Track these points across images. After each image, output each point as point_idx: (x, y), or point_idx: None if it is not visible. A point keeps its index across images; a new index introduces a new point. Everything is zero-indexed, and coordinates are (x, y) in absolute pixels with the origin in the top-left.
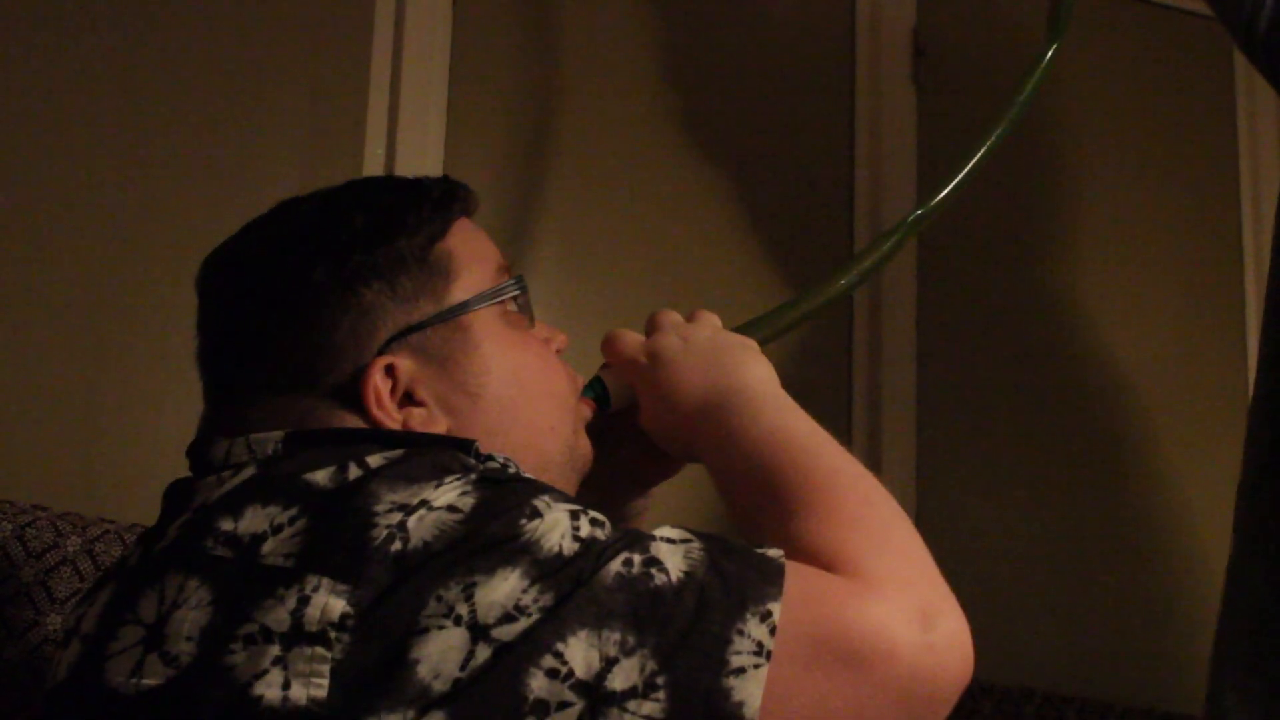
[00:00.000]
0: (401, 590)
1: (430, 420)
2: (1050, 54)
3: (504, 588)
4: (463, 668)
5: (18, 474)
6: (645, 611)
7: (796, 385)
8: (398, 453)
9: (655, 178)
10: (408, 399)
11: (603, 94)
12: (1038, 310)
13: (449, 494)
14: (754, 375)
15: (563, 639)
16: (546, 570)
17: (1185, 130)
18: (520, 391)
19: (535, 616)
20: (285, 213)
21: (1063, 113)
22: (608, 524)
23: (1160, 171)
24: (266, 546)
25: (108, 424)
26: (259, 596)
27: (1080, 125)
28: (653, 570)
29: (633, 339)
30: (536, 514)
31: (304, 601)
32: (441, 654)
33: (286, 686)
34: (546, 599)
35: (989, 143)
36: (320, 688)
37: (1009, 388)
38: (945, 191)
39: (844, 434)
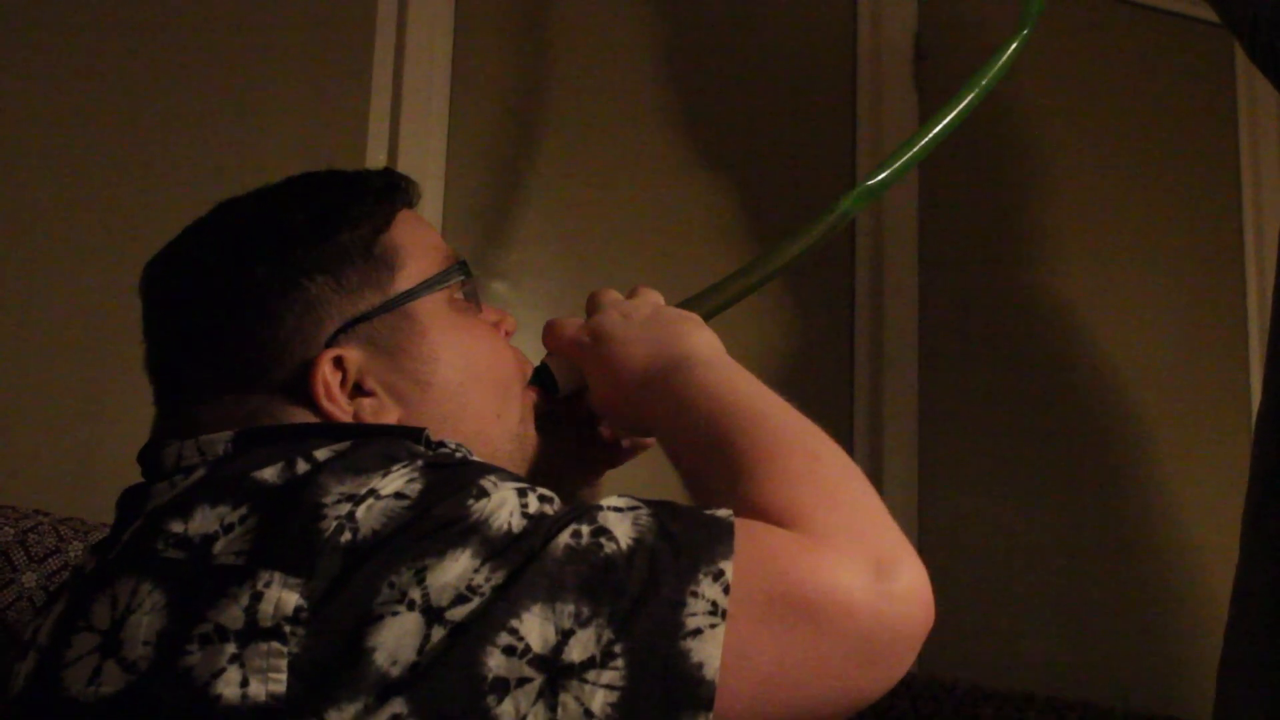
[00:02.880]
0: (353, 579)
1: (381, 410)
2: (1019, 41)
3: (455, 569)
4: (419, 651)
5: (20, 479)
6: (597, 581)
7: (797, 388)
8: (344, 445)
9: (657, 181)
10: (358, 390)
11: (604, 98)
12: (1039, 313)
13: (396, 482)
14: (697, 342)
15: (517, 615)
16: (497, 548)
17: (1187, 135)
18: (469, 378)
19: (488, 595)
20: (226, 212)
21: (1064, 116)
22: (556, 500)
23: (1162, 175)
24: (218, 546)
25: (109, 429)
26: (212, 596)
27: (1082, 129)
28: (602, 540)
29: (573, 323)
30: (484, 493)
31: (257, 598)
32: (397, 640)
33: (245, 684)
34: (498, 577)
35: (948, 118)
36: (279, 683)
37: (1011, 390)
38: (894, 166)
39: (845, 437)
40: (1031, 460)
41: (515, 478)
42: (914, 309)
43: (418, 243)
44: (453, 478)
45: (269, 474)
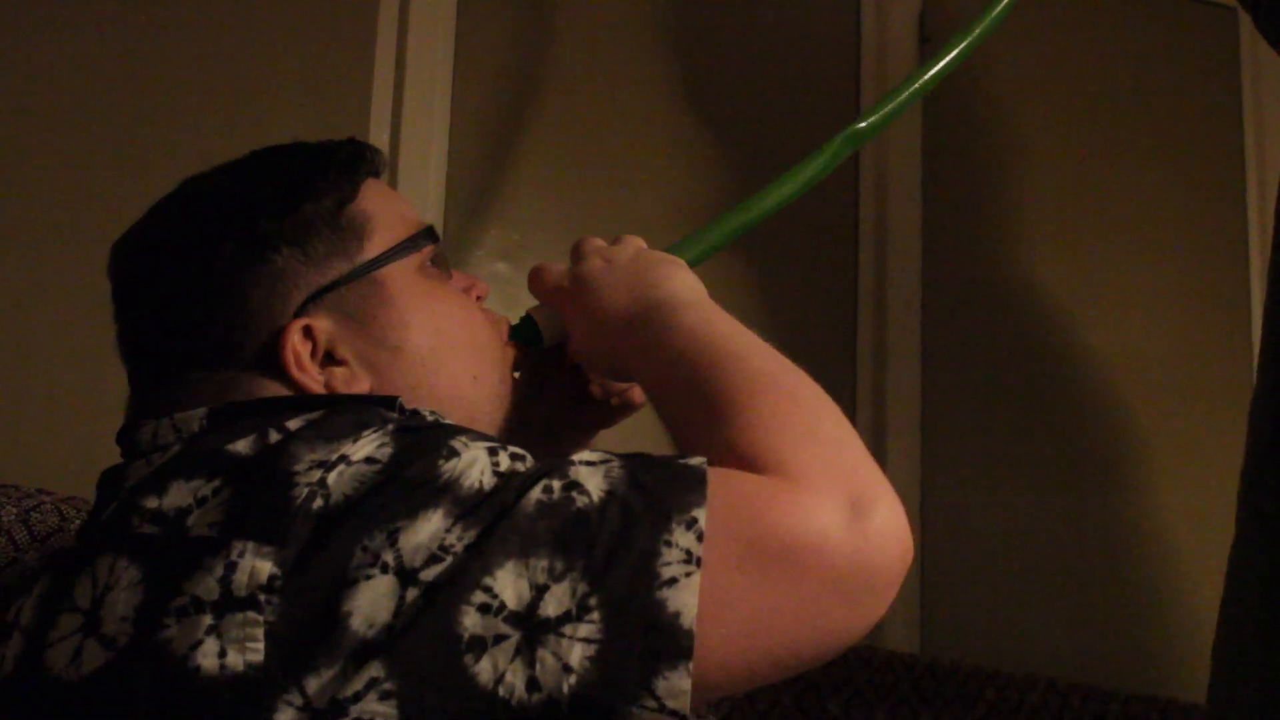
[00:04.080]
0: (327, 545)
1: (352, 378)
2: None
3: (427, 529)
4: (395, 614)
5: (22, 458)
6: (570, 535)
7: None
8: (317, 414)
9: (660, 166)
10: (329, 359)
11: (607, 78)
12: (1042, 304)
13: (367, 447)
14: (679, 285)
15: (490, 573)
16: (468, 507)
17: (1190, 124)
18: (441, 342)
19: (460, 554)
20: (190, 190)
21: (1067, 105)
22: (528, 457)
23: (1165, 166)
24: (191, 519)
25: (111, 408)
26: (187, 569)
27: (1084, 117)
28: (573, 494)
29: (556, 268)
30: (454, 453)
31: (231, 568)
32: (372, 603)
33: (223, 654)
34: (470, 535)
35: (939, 65)
36: (256, 652)
37: (1013, 382)
38: (887, 108)
39: None
40: (1033, 449)
41: (487, 438)
42: (916, 301)
43: (385, 211)
44: (423, 440)
45: (242, 446)
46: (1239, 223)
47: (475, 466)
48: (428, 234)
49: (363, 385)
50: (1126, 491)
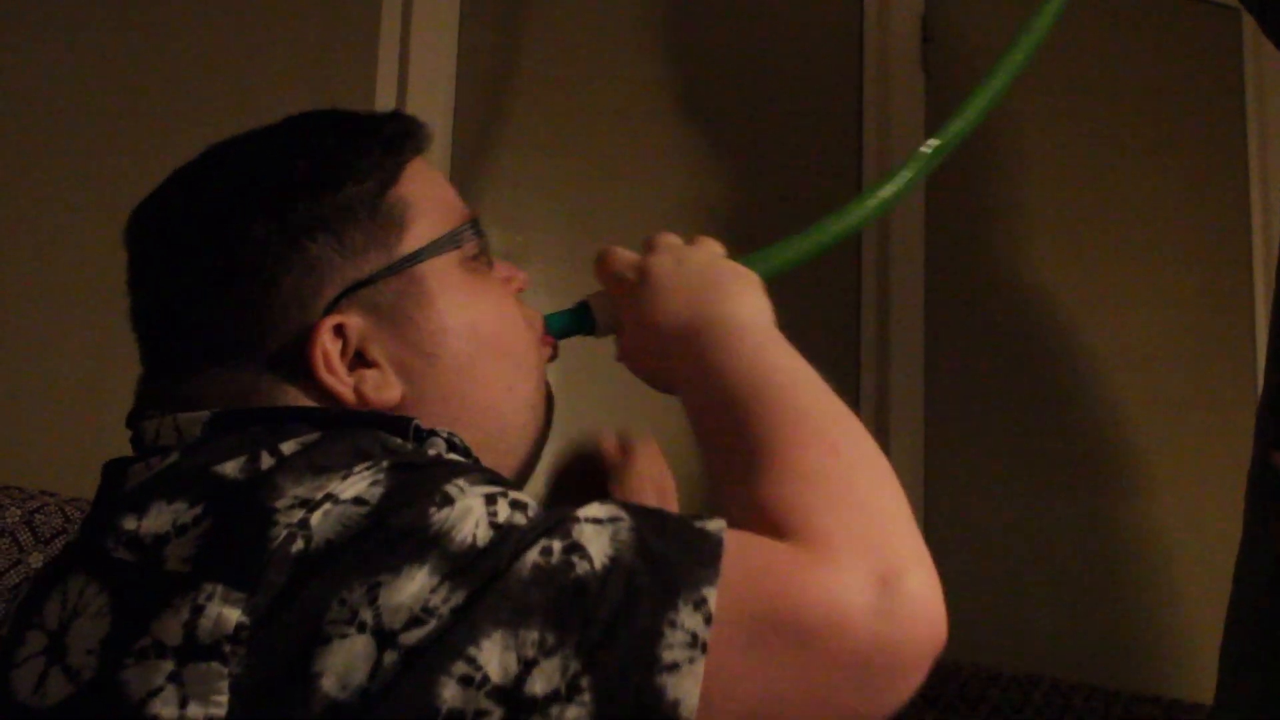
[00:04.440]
0: (302, 595)
1: (384, 384)
2: None
3: (410, 588)
4: (371, 677)
5: (26, 460)
6: (566, 606)
7: None
8: (314, 437)
9: (662, 167)
10: (359, 360)
11: (608, 86)
12: (1044, 305)
13: (358, 484)
14: (743, 305)
15: (475, 642)
16: (458, 565)
17: (1193, 125)
18: (478, 348)
19: (445, 618)
20: (219, 158)
21: (1070, 106)
22: (530, 505)
23: (1168, 167)
24: (168, 550)
25: (116, 409)
26: (156, 606)
27: (1088, 119)
28: (574, 558)
29: (625, 256)
30: (448, 501)
31: (197, 612)
32: (347, 665)
33: (184, 705)
34: (457, 598)
35: (1007, 70)
36: (219, 705)
37: (1016, 384)
38: (961, 121)
39: None
40: (1036, 450)
41: (491, 479)
42: (919, 305)
43: (428, 198)
44: (418, 481)
45: (230, 468)
46: (1242, 224)
47: (469, 518)
48: (473, 226)
49: (394, 392)
50: (1129, 492)
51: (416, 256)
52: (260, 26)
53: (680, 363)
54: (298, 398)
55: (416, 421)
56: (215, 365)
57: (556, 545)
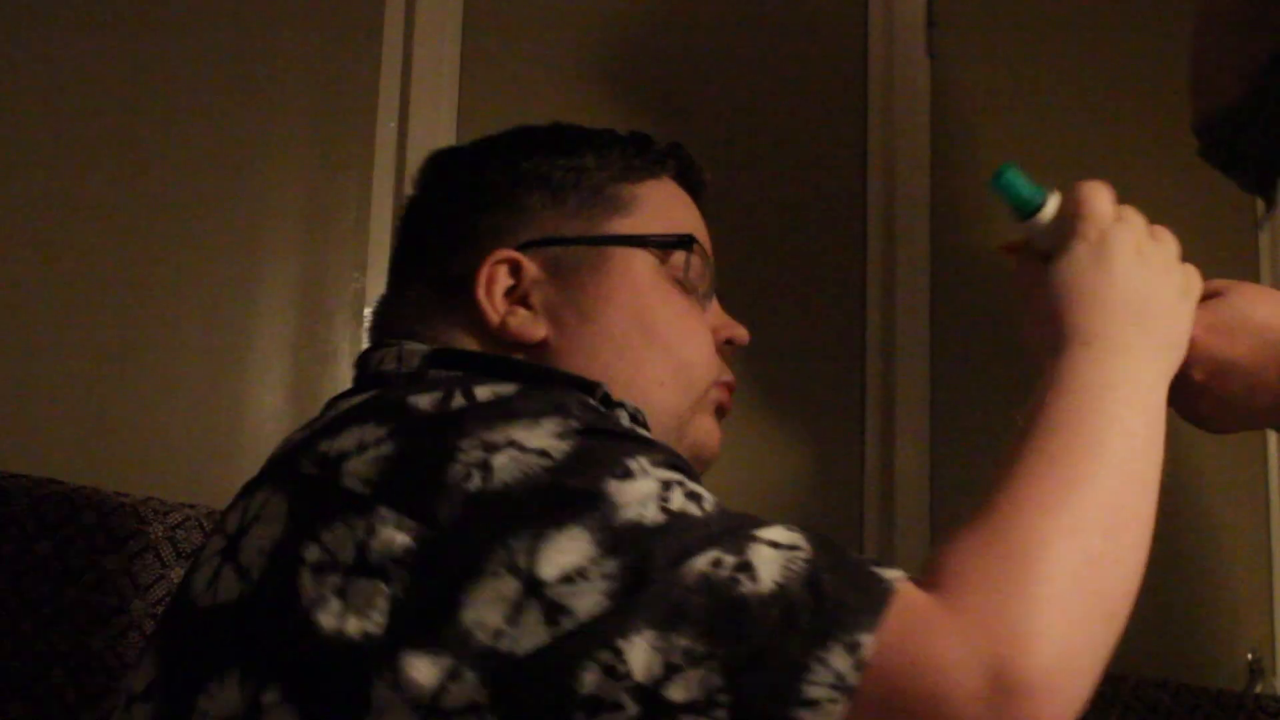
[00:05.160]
0: (469, 531)
1: (530, 324)
2: None
3: (570, 548)
4: (509, 621)
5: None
6: (722, 621)
7: (809, 383)
8: (510, 389)
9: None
10: (522, 303)
11: (614, 68)
12: None
13: (543, 437)
14: (1150, 363)
15: (625, 635)
16: (622, 541)
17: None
18: (639, 331)
19: (600, 598)
20: (520, 130)
21: (1076, 104)
22: (707, 498)
23: (1174, 169)
24: (349, 465)
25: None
26: (330, 519)
27: (1093, 117)
28: (742, 576)
29: (1108, 206)
30: (628, 475)
31: (370, 532)
32: (489, 602)
33: (343, 617)
34: (613, 578)
35: None
36: (377, 624)
37: (1023, 384)
38: None
39: (857, 430)
40: None
41: (674, 465)
42: (925, 302)
43: (662, 208)
44: (604, 448)
45: (424, 401)
46: (1248, 223)
47: (641, 495)
48: (684, 241)
49: (538, 332)
50: None
51: (615, 239)
52: (263, 29)
53: (1044, 351)
54: (448, 315)
55: (604, 388)
56: (417, 280)
57: (729, 560)
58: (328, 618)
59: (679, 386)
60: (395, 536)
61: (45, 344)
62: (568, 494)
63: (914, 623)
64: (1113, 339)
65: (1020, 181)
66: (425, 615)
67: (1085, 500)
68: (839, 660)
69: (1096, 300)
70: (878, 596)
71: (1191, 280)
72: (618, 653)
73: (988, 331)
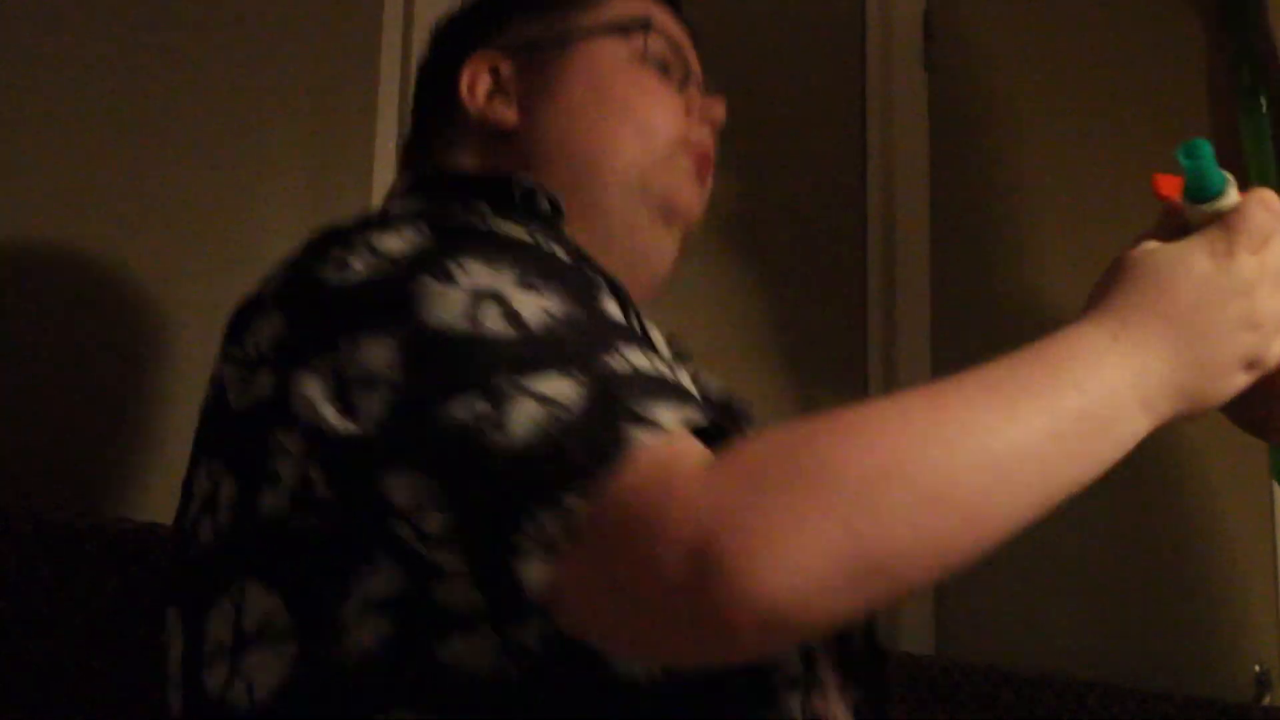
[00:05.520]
0: (313, 322)
1: (502, 110)
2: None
3: (376, 352)
4: (326, 409)
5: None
6: (461, 469)
7: (810, 383)
8: (417, 203)
9: None
10: (501, 97)
11: None
12: (1053, 312)
13: (395, 241)
14: (1164, 383)
15: (383, 467)
16: (412, 354)
17: (1209, 128)
18: (597, 106)
19: (380, 410)
20: None
21: (1079, 110)
22: (528, 315)
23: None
24: (270, 286)
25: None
26: (258, 321)
27: (1097, 123)
28: (491, 429)
29: (1262, 231)
30: (448, 278)
31: (256, 332)
32: (312, 391)
33: (241, 394)
34: (397, 384)
35: None
36: (256, 399)
37: None
38: None
39: None
40: None
41: (524, 269)
42: (926, 302)
43: (625, 1)
44: (438, 252)
45: (347, 226)
46: None
47: (451, 305)
48: (638, 24)
49: (509, 115)
50: (1142, 488)
51: (575, 31)
52: (262, 29)
53: (1088, 312)
54: (443, 131)
55: (517, 179)
56: (421, 108)
57: (486, 410)
58: (238, 398)
59: (639, 144)
60: (266, 328)
61: (46, 344)
62: (391, 295)
63: (645, 490)
64: (1139, 352)
65: (1211, 166)
66: (277, 400)
67: (940, 452)
68: (552, 523)
69: (1162, 311)
70: (612, 459)
71: (1270, 356)
72: (380, 480)
73: (988, 331)
